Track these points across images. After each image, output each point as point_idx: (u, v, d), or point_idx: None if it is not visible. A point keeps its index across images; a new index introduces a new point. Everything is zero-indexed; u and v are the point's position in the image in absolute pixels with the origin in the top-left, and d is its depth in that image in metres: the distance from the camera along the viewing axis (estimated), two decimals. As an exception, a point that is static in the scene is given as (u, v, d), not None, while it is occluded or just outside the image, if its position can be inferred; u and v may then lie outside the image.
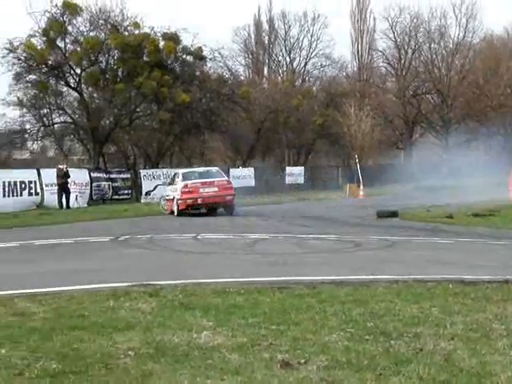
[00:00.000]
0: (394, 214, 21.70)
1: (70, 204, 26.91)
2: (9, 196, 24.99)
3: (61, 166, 26.56)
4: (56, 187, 26.27)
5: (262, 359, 4.89)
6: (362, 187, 36.49)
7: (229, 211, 23.16)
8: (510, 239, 14.85)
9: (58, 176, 25.92)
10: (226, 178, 25.07)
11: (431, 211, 22.62)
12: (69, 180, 26.25)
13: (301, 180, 44.74)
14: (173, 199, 23.50)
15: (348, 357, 4.92)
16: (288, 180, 44.06)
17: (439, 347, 5.22)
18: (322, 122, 49.05)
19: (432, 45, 59.32)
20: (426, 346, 5.25)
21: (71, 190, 27.69)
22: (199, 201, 22.71)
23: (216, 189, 22.87)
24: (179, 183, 23.17)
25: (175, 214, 22.94)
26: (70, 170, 29.22)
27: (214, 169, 25.98)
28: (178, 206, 22.82)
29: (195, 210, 22.88)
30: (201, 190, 22.74)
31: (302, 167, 46.54)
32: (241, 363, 4.79)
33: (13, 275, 9.42)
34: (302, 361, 4.84)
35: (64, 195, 25.98)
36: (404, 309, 6.59)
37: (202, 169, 26.71)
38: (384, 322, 6.02)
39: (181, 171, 25.24)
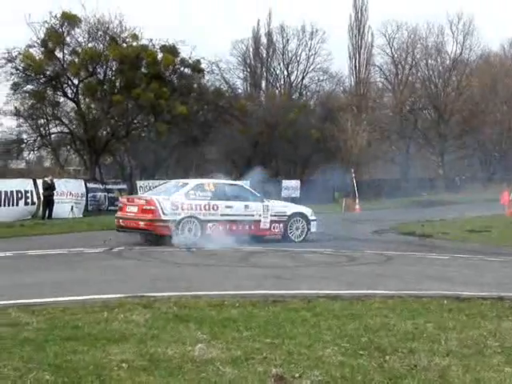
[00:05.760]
0: (389, 229, 21.75)
1: (66, 215, 26.92)
2: (5, 205, 24.89)
3: (46, 179, 26.58)
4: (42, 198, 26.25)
5: (256, 373, 4.86)
6: (357, 201, 36.48)
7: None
8: (505, 255, 14.89)
9: (43, 188, 25.97)
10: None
11: (426, 226, 22.63)
12: (54, 192, 26.27)
13: (297, 193, 44.68)
14: None
15: (342, 372, 4.90)
16: (284, 193, 44.03)
17: (434, 363, 5.20)
18: (318, 136, 49.05)
19: (429, 61, 59.63)
20: (420, 362, 5.24)
21: (67, 201, 27.75)
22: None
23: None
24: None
25: None
26: (66, 180, 29.32)
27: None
28: None
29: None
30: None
31: (298, 181, 46.52)
32: (235, 377, 4.77)
33: (6, 285, 9.37)
34: (297, 375, 4.82)
35: (48, 207, 26.01)
36: (399, 324, 6.57)
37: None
38: (378, 337, 6.00)
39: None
